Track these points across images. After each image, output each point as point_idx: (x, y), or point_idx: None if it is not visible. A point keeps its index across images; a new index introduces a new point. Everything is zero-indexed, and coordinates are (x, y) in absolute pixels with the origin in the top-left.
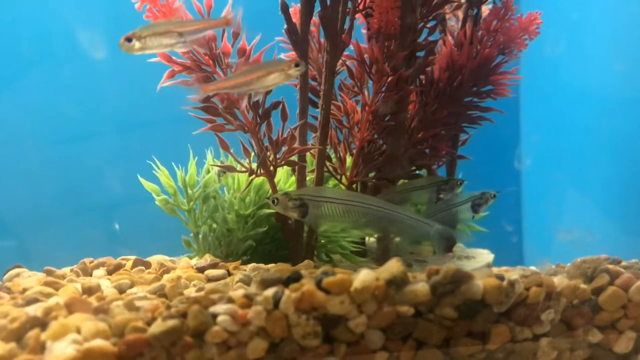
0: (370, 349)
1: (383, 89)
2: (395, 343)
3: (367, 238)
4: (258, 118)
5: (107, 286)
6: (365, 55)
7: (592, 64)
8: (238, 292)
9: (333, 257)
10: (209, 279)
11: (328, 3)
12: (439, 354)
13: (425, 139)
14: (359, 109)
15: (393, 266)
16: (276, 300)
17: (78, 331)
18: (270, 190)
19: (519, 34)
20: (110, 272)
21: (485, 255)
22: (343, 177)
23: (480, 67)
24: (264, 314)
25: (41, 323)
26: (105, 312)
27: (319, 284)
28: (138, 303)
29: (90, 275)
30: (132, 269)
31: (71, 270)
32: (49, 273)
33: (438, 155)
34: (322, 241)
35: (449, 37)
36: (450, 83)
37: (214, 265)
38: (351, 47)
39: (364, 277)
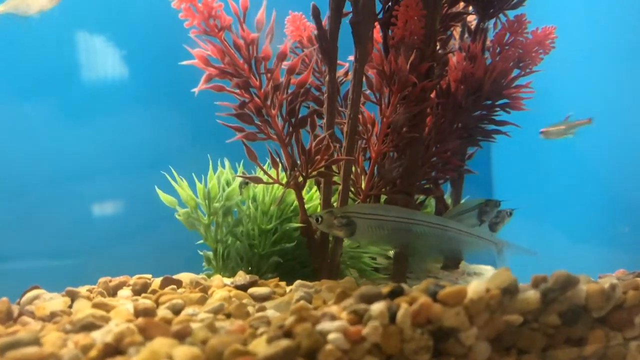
0: None
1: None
2: (500, 354)
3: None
4: (290, 127)
5: (156, 307)
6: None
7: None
8: (336, 308)
9: (351, 273)
10: (255, 298)
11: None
12: None
13: (440, 152)
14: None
15: (504, 275)
16: (392, 314)
17: (170, 358)
18: (295, 202)
19: (534, 48)
20: (137, 292)
21: (491, 272)
22: (358, 189)
23: (496, 81)
24: (381, 329)
25: (116, 350)
26: (189, 335)
27: (434, 296)
28: (216, 324)
29: (114, 296)
30: (162, 287)
31: (89, 291)
32: (71, 294)
33: (451, 169)
34: (345, 258)
35: (457, 49)
36: (466, 96)
37: (253, 283)
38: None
39: (476, 287)
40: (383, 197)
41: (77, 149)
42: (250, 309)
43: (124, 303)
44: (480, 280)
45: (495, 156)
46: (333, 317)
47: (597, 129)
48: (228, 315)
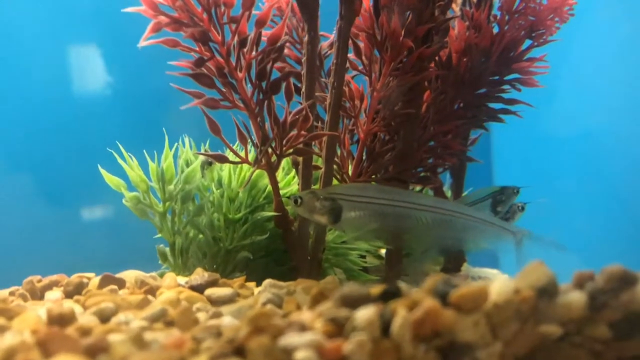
0: None
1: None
2: None
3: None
4: (261, 94)
5: (80, 312)
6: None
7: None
8: (308, 315)
9: (336, 273)
10: (213, 301)
11: None
12: None
13: (440, 134)
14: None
15: (538, 270)
16: (385, 324)
17: None
18: (268, 188)
19: (549, 16)
20: (69, 294)
21: (498, 276)
22: (345, 175)
23: (505, 52)
24: (369, 345)
25: None
26: (105, 351)
27: (444, 299)
28: (147, 336)
29: (42, 299)
30: (100, 288)
31: (11, 294)
32: None
33: (452, 154)
34: (329, 255)
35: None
36: (470, 69)
37: (213, 283)
38: None
39: (501, 287)
40: None
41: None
42: (201, 315)
43: (39, 308)
44: (503, 278)
45: (496, 143)
46: (303, 328)
47: (615, 124)
48: (171, 324)
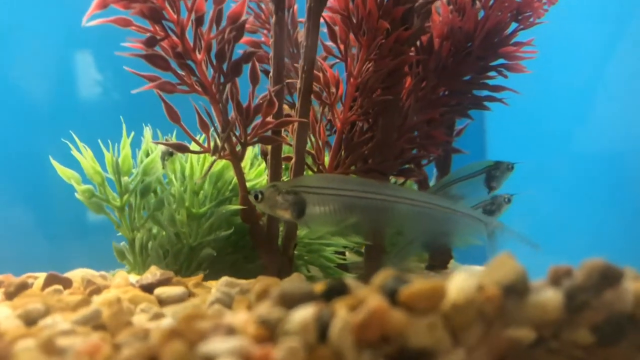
0: None
1: (373, 54)
2: None
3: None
4: (222, 76)
5: (7, 316)
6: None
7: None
8: (242, 316)
9: (309, 271)
10: (162, 301)
11: None
12: None
13: (423, 123)
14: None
15: (506, 264)
16: (322, 327)
17: None
18: (235, 180)
19: None
20: (10, 296)
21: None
22: (321, 167)
23: (489, 35)
24: (302, 352)
25: None
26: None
27: (392, 297)
28: (62, 341)
29: None
30: (43, 289)
31: None
32: None
33: (436, 144)
34: (302, 252)
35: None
36: (454, 54)
37: (165, 282)
38: None
39: (461, 283)
40: None
41: None
42: (142, 317)
43: None
44: (468, 273)
45: (490, 132)
46: (231, 331)
47: (615, 122)
48: (101, 327)
